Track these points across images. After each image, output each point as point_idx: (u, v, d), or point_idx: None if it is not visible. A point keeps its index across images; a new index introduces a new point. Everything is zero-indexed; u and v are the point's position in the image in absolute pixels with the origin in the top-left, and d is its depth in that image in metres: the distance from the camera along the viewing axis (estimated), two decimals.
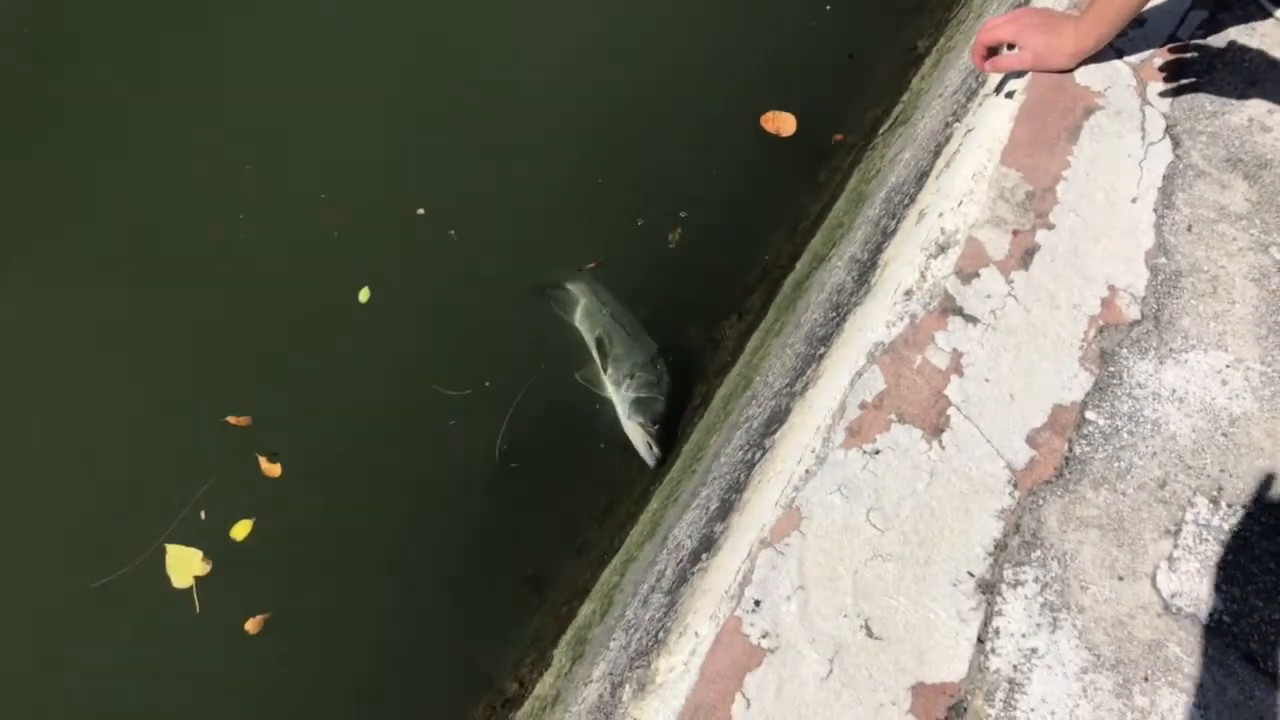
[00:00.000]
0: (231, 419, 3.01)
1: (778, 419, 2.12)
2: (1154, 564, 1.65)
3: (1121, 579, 1.64)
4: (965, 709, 1.54)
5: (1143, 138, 2.09)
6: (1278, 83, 2.12)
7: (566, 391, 3.09)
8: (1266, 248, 1.93)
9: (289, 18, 3.76)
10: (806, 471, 1.77)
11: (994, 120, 2.17)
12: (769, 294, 3.23)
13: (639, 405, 2.95)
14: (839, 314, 2.29)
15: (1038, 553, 1.66)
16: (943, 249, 1.99)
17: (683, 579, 1.96)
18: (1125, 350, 1.84)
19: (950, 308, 1.90)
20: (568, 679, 2.35)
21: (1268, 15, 2.23)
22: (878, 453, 1.76)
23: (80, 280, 3.25)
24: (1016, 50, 2.19)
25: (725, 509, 2.02)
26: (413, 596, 2.84)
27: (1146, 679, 1.55)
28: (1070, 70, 2.19)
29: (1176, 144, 2.08)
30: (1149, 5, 2.19)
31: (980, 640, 1.60)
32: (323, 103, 3.56)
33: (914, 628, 1.61)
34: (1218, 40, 2.22)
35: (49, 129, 3.53)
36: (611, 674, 1.97)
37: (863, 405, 1.82)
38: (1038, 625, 1.60)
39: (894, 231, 2.34)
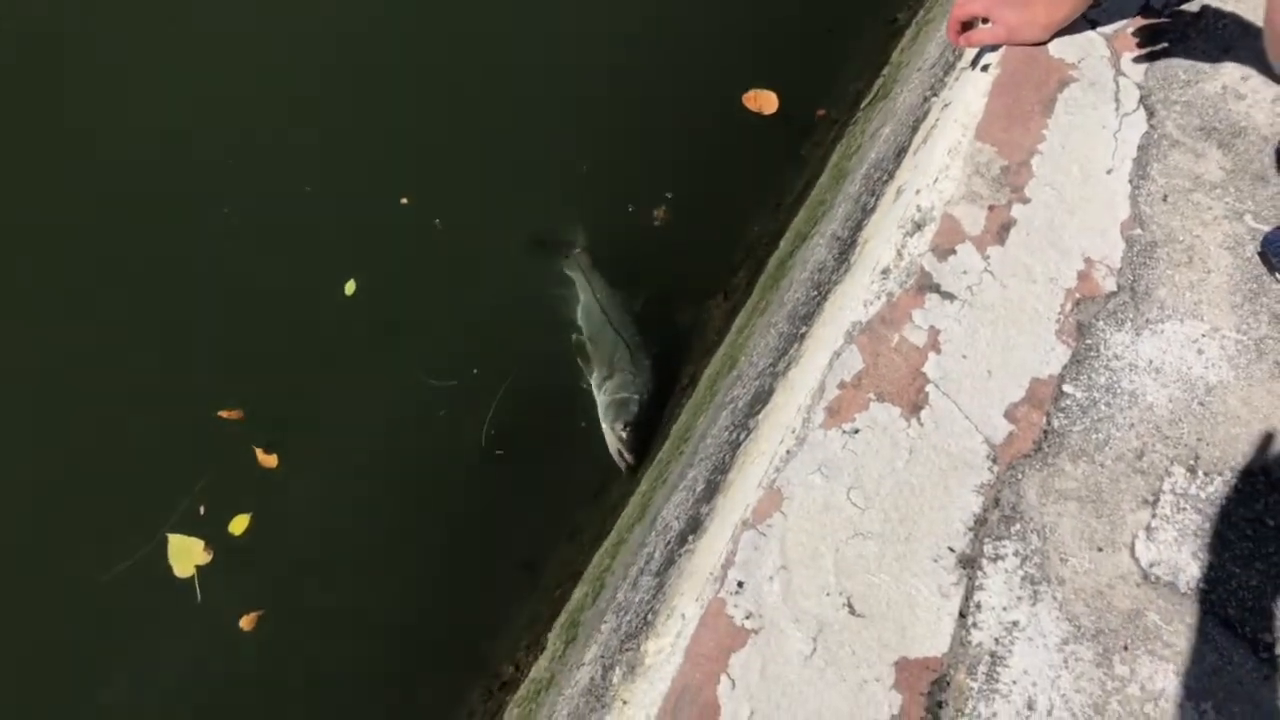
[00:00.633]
0: (224, 413, 3.02)
1: (761, 399, 2.13)
2: (1132, 534, 1.66)
3: (1100, 550, 1.65)
4: (948, 683, 1.56)
5: (1117, 109, 2.09)
6: (1251, 49, 2.13)
7: (556, 376, 3.10)
8: (1241, 216, 1.94)
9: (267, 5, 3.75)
10: (788, 452, 1.79)
11: (969, 95, 2.17)
12: (754, 273, 3.24)
13: (613, 408, 2.95)
14: (820, 293, 2.30)
15: (1017, 526, 1.68)
16: (919, 226, 1.99)
17: (670, 561, 1.98)
18: (1102, 322, 1.85)
19: (927, 285, 1.91)
20: (561, 662, 2.38)
21: None
22: (857, 432, 1.78)
23: (65, 271, 3.25)
24: (990, 24, 2.19)
25: (711, 490, 2.04)
26: (408, 583, 2.86)
27: (1126, 648, 1.57)
28: (1044, 43, 2.20)
29: (1151, 114, 2.09)
30: None
31: (962, 615, 1.62)
32: (303, 93, 3.56)
33: (896, 604, 1.63)
34: (1191, 7, 2.22)
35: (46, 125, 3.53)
36: (603, 656, 1.99)
37: (841, 385, 1.83)
38: (1018, 598, 1.62)
39: (873, 209, 2.34)
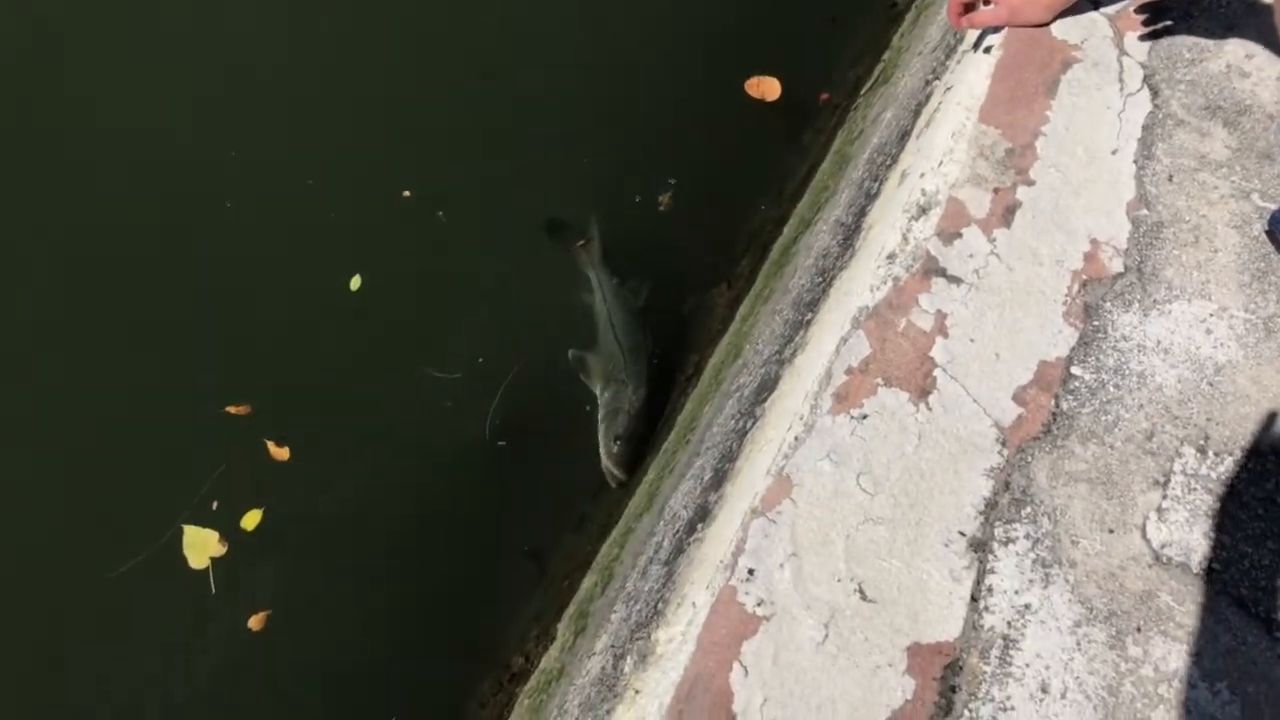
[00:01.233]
0: (231, 408, 3.03)
1: (768, 387, 2.13)
2: (1143, 515, 1.66)
3: (1112, 531, 1.65)
4: (961, 667, 1.56)
5: (1121, 89, 2.08)
6: (1255, 27, 2.11)
7: (562, 367, 3.10)
8: (1247, 194, 1.93)
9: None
10: (796, 439, 1.78)
11: (972, 77, 2.16)
12: (758, 260, 3.23)
13: (605, 420, 2.94)
14: (825, 279, 2.29)
15: (1028, 509, 1.67)
16: (924, 210, 1.99)
17: (679, 550, 1.98)
18: (1109, 304, 1.85)
19: (933, 269, 1.90)
20: (571, 652, 2.38)
21: None
22: (865, 417, 1.77)
23: (67, 270, 3.25)
24: (992, 6, 2.18)
25: (719, 478, 2.03)
26: (418, 576, 2.87)
27: (1139, 629, 1.57)
28: (1047, 24, 2.18)
29: (1155, 94, 2.08)
30: None
31: (974, 599, 1.61)
32: (303, 86, 3.55)
33: (907, 589, 1.62)
34: None
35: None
36: (613, 646, 1.99)
37: (849, 370, 1.83)
38: (1030, 581, 1.62)
39: (877, 194, 2.34)
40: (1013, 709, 1.52)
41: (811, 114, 3.56)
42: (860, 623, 1.60)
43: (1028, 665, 1.55)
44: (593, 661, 2.07)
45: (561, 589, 2.78)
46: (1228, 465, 1.68)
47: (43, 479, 2.97)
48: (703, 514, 1.96)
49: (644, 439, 2.95)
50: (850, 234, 2.30)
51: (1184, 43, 2.14)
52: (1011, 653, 1.56)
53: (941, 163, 2.04)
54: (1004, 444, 1.73)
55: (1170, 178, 1.96)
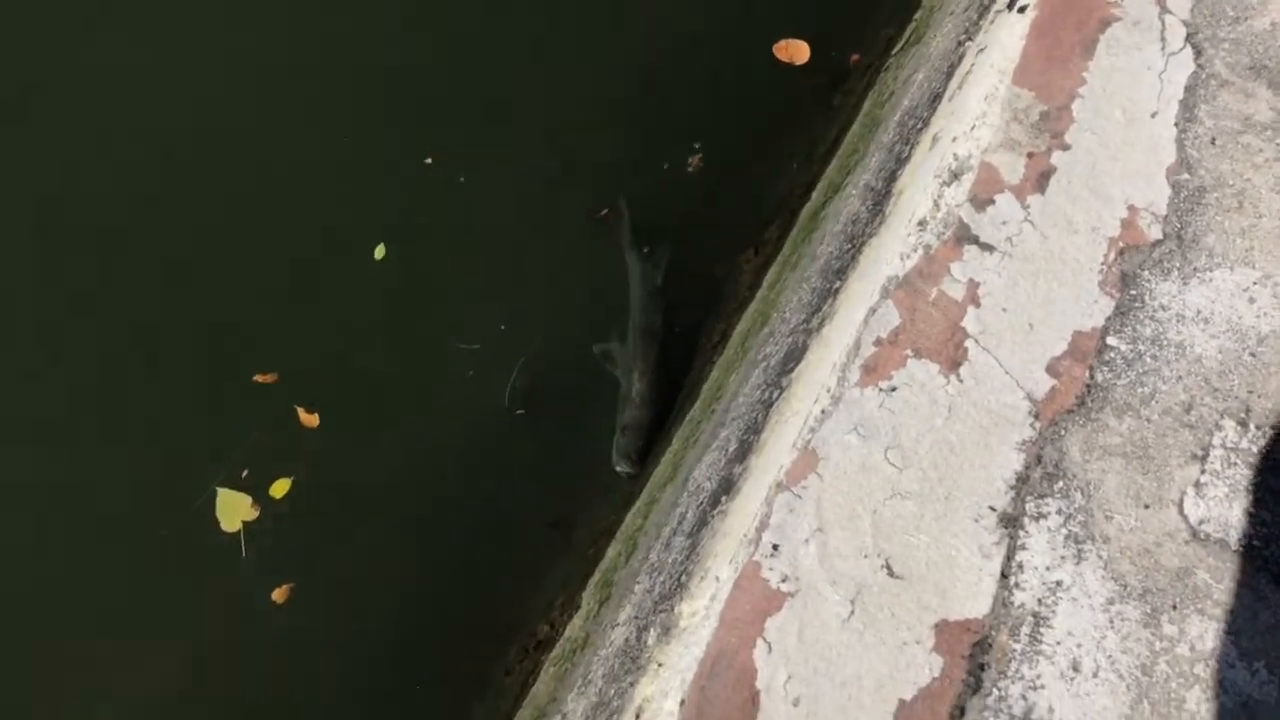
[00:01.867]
0: (259, 377, 3.02)
1: (794, 357, 2.09)
2: (1180, 490, 1.62)
3: (1147, 507, 1.61)
4: (990, 644, 1.53)
5: (1163, 48, 2.01)
6: None
7: (586, 335, 3.07)
8: None
9: None
10: (822, 412, 1.75)
11: (1005, 37, 2.10)
12: (786, 226, 3.17)
13: (618, 409, 2.92)
14: (854, 245, 2.24)
15: (1060, 484, 1.63)
16: (956, 176, 1.93)
17: (703, 522, 1.95)
18: (1147, 272, 1.79)
19: (965, 236, 1.85)
20: (596, 622, 2.36)
21: None
22: (894, 390, 1.73)
23: (100, 241, 3.25)
24: None
25: (743, 450, 2.00)
26: (444, 543, 2.86)
27: (1175, 607, 1.53)
28: None
29: (1198, 53, 2.00)
30: None
31: (1004, 575, 1.58)
32: (329, 53, 3.51)
33: (936, 565, 1.59)
34: None
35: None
36: (637, 618, 1.97)
37: (878, 341, 1.78)
38: (1062, 558, 1.58)
39: (907, 158, 2.28)
40: (1043, 687, 1.49)
41: (841, 77, 3.49)
42: (887, 599, 1.57)
43: (1058, 643, 1.52)
44: (616, 632, 2.05)
45: (587, 557, 2.77)
46: (1270, 439, 1.63)
47: (76, 450, 2.98)
48: (727, 486, 1.93)
49: (646, 428, 2.88)
50: (880, 199, 2.25)
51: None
52: (1042, 630, 1.53)
53: (974, 126, 1.99)
54: (1036, 417, 1.69)
55: (1213, 141, 1.90)
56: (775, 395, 2.04)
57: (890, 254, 1.91)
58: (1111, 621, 1.53)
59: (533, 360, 3.00)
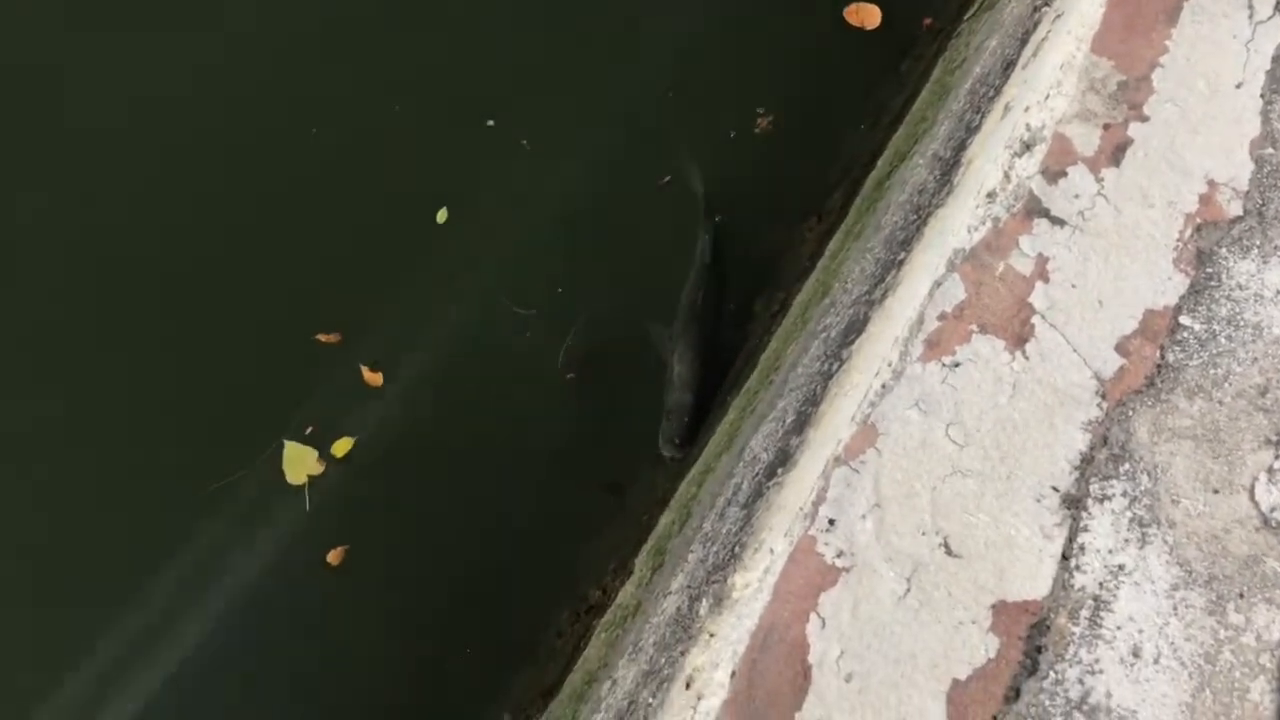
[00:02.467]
0: (322, 337, 3.05)
1: (855, 329, 2.06)
2: (1252, 476, 1.57)
3: (1216, 492, 1.56)
4: (1048, 627, 1.50)
5: (1250, 16, 1.94)
6: None
7: (645, 301, 3.05)
8: None
9: None
10: (883, 386, 1.72)
11: (1084, 4, 2.03)
12: (850, 194, 3.12)
13: (663, 418, 2.87)
14: (919, 216, 2.20)
15: (1126, 466, 1.60)
16: (1028, 146, 1.88)
17: (758, 493, 1.94)
18: (1225, 250, 1.73)
19: (1036, 209, 1.81)
20: (648, 589, 2.37)
21: None
22: (957, 365, 1.70)
23: (162, 207, 3.29)
24: None
25: (801, 422, 1.98)
26: (500, 506, 2.88)
27: (1242, 595, 1.49)
28: None
29: None
30: None
31: (1065, 557, 1.55)
32: (390, 13, 3.51)
33: (995, 545, 1.57)
34: None
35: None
36: (689, 587, 1.97)
37: (942, 316, 1.75)
38: (1126, 541, 1.55)
39: (978, 127, 2.22)
40: (1101, 672, 1.46)
41: (911, 43, 3.41)
42: (944, 577, 1.55)
43: (1119, 628, 1.49)
44: (669, 601, 2.05)
45: (640, 524, 2.77)
46: None
47: (140, 406, 3.04)
48: (783, 458, 1.92)
49: (690, 412, 2.85)
50: (948, 169, 2.20)
51: None
52: (1102, 614, 1.50)
53: (1048, 96, 1.93)
54: (1104, 396, 1.65)
55: None
56: (835, 367, 2.01)
57: (957, 226, 1.87)
58: (1175, 608, 1.49)
59: (589, 327, 2.99)
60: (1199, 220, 1.76)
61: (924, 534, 1.58)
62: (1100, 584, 1.52)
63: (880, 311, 1.98)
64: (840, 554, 1.58)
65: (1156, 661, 1.46)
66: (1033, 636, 1.50)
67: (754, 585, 1.67)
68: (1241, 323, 1.68)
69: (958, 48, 3.08)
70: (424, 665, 2.73)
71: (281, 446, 2.87)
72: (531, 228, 3.17)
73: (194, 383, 3.05)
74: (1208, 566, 1.51)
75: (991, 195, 1.86)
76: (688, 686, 1.65)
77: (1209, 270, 1.73)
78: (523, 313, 3.02)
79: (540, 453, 2.92)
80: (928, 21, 3.40)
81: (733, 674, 1.53)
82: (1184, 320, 1.69)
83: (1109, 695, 1.44)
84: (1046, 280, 1.74)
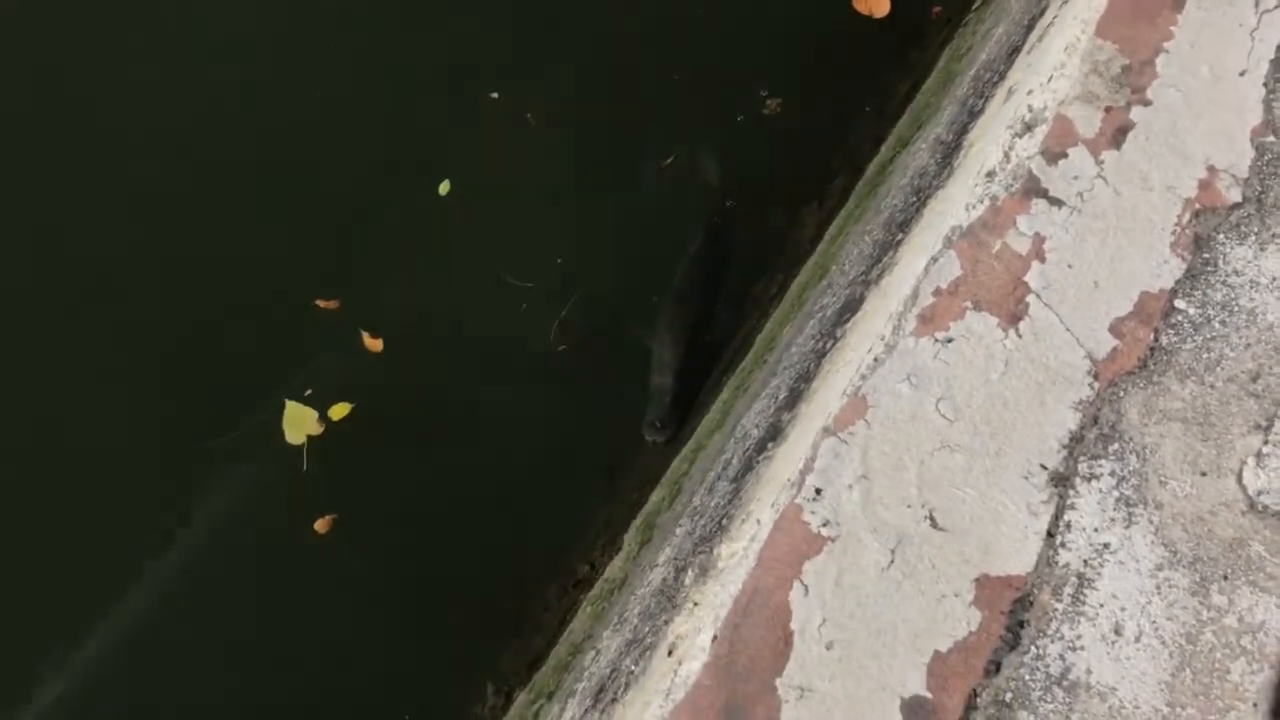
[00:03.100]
0: (321, 302, 3.06)
1: (851, 308, 2.06)
2: (1241, 460, 1.57)
3: (1204, 474, 1.56)
4: (1031, 602, 1.50)
5: (1256, 4, 1.93)
6: None
7: (641, 279, 3.06)
8: None
9: None
10: (875, 360, 1.72)
11: None
12: (852, 179, 3.12)
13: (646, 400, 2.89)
14: (919, 198, 2.19)
15: (1116, 446, 1.59)
16: (1029, 127, 1.88)
17: (749, 467, 1.94)
18: (1222, 235, 1.73)
19: (1034, 189, 1.80)
20: (635, 563, 2.37)
21: None
22: (950, 341, 1.70)
23: (164, 176, 3.29)
24: None
25: (794, 398, 1.98)
26: (489, 481, 2.88)
27: (1226, 578, 1.49)
28: None
29: None
30: None
31: (1050, 534, 1.55)
32: None
33: (981, 520, 1.56)
34: None
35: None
36: (676, 559, 1.97)
37: (937, 292, 1.75)
38: (1112, 520, 1.55)
39: (981, 111, 2.22)
40: (1082, 648, 1.46)
41: (919, 32, 3.41)
42: (929, 550, 1.55)
43: (1102, 605, 1.49)
44: (655, 573, 2.05)
45: (631, 501, 2.78)
46: None
47: (139, 370, 3.04)
48: (774, 432, 1.92)
49: (671, 396, 2.86)
50: (950, 152, 2.20)
51: None
52: (1086, 591, 1.50)
53: (1051, 78, 1.93)
54: (1096, 377, 1.65)
55: None
56: (829, 345, 2.01)
57: (956, 205, 1.87)
58: (1158, 587, 1.49)
59: (585, 302, 2.99)
60: (1197, 205, 1.76)
61: (910, 506, 1.58)
62: (1085, 561, 1.52)
63: (876, 290, 1.98)
64: (826, 523, 1.58)
65: (1138, 640, 1.46)
66: (1015, 611, 1.50)
67: (739, 554, 1.67)
68: (1236, 308, 1.68)
69: (965, 37, 3.08)
70: (405, 637, 2.73)
71: (283, 406, 2.87)
72: (532, 202, 3.16)
73: (193, 345, 3.05)
74: (1193, 548, 1.51)
75: (991, 175, 1.86)
76: (670, 654, 1.65)
77: (1206, 255, 1.72)
78: (520, 285, 3.02)
79: (535, 426, 2.93)
80: (937, 10, 3.39)
81: (714, 638, 1.53)
82: (1179, 304, 1.69)
83: (1089, 672, 1.44)
84: (1043, 260, 1.74)
